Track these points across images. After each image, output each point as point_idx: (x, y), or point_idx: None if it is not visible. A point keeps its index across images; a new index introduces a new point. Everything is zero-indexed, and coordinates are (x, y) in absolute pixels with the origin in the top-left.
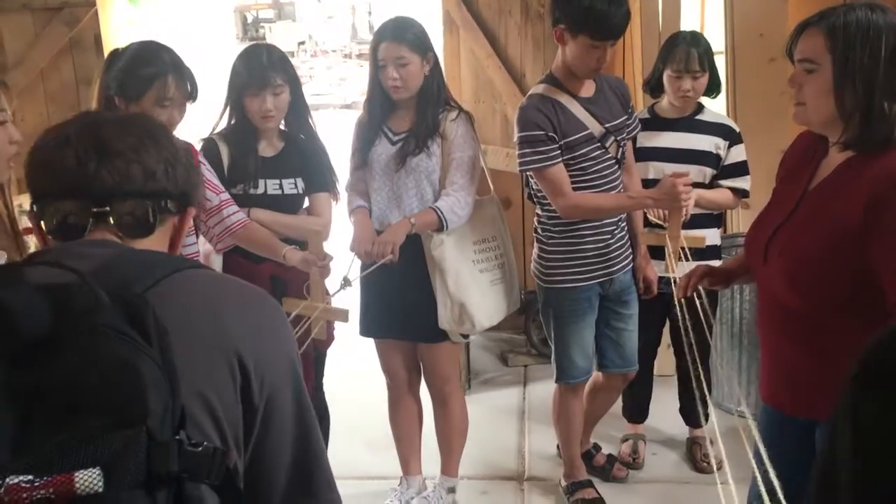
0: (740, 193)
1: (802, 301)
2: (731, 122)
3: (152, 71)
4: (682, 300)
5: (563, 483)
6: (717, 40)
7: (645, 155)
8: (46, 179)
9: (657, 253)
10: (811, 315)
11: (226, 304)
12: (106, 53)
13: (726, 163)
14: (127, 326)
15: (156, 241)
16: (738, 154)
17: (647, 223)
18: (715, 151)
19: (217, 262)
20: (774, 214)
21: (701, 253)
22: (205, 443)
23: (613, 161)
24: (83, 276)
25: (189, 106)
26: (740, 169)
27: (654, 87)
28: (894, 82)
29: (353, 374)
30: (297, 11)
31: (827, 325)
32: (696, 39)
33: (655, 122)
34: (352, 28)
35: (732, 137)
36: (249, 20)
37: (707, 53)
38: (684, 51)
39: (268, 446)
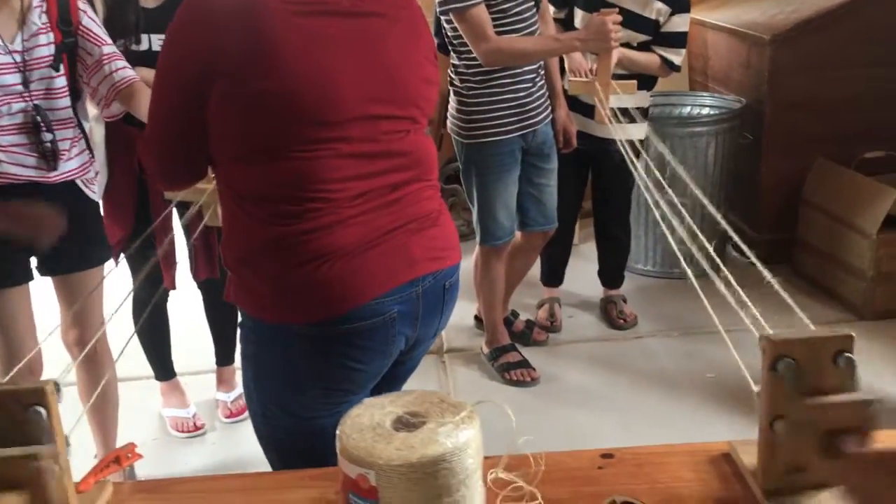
0: (669, 65)
1: None
2: None
3: None
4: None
5: (486, 350)
6: None
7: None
8: None
9: (576, 106)
10: None
11: None
12: None
13: (665, 30)
14: None
15: None
16: (680, 24)
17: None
18: (655, 17)
19: (98, 131)
20: None
21: (628, 114)
22: None
23: (532, 4)
24: None
25: None
26: (678, 40)
27: None
28: None
29: None
30: None
31: None
32: None
33: None
34: None
35: (679, 5)
36: None
37: None
38: None
39: None
